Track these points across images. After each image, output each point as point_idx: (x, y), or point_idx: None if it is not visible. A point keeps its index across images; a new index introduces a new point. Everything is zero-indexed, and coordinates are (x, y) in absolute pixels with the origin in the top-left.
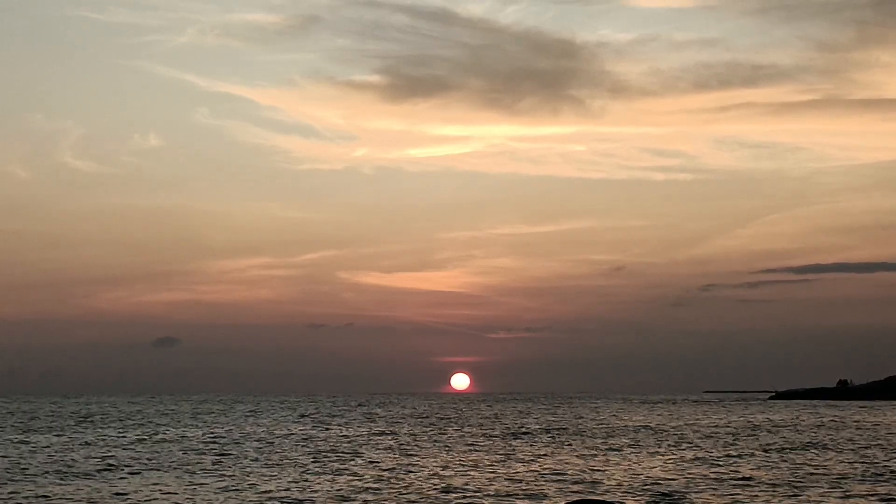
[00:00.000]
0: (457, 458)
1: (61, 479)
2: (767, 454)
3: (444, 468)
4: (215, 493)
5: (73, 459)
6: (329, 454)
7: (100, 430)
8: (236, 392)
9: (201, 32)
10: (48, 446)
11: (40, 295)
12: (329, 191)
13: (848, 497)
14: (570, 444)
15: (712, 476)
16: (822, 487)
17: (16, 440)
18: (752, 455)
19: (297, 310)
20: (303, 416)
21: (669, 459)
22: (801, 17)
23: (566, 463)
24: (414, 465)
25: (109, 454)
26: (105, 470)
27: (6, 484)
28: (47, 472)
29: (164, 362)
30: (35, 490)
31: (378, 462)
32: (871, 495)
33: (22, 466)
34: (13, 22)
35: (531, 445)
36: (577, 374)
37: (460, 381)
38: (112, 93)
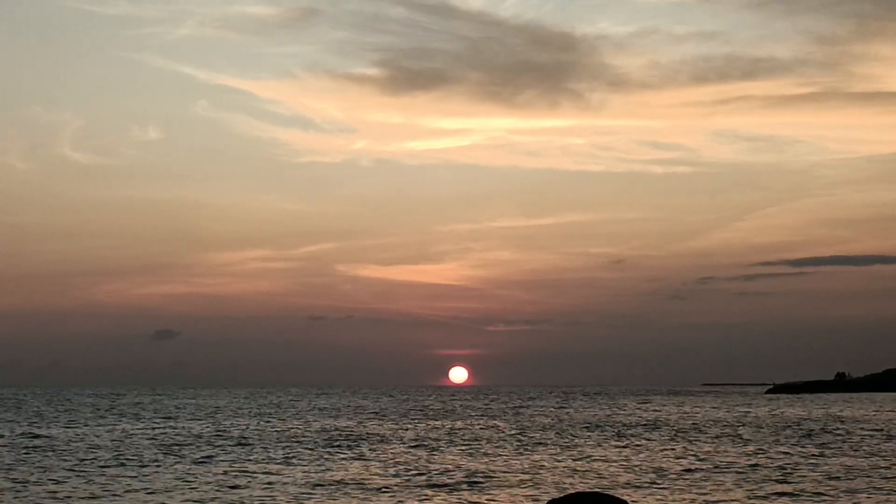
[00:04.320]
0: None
1: None
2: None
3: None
4: None
5: None
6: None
7: None
8: (235, 384)
9: (201, 25)
10: None
11: (39, 287)
12: (328, 183)
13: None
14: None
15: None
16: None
17: None
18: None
19: (295, 302)
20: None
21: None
22: (801, 11)
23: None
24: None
25: None
26: None
27: None
28: None
29: (164, 354)
30: None
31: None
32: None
33: None
34: (12, 13)
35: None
36: (576, 366)
37: (458, 375)
38: (111, 85)
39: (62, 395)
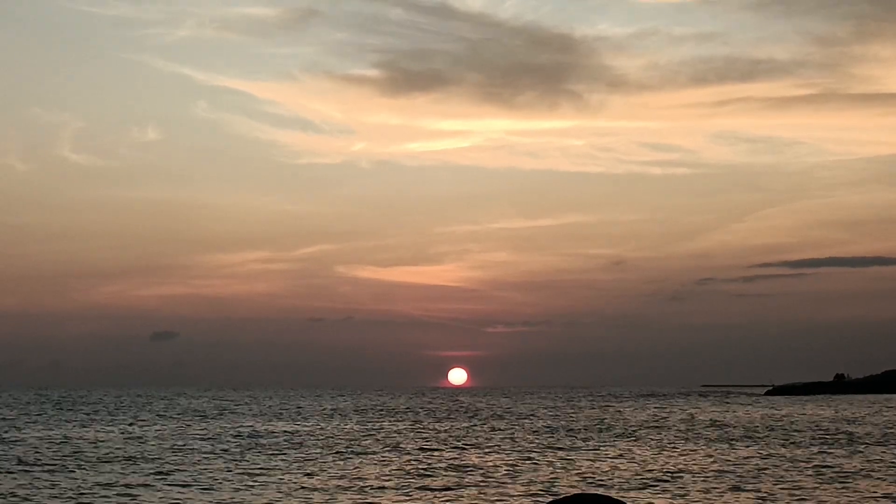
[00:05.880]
0: None
1: None
2: None
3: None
4: None
5: None
6: None
7: None
8: (234, 385)
9: (200, 26)
10: None
11: (39, 287)
12: (327, 185)
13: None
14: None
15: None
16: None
17: None
18: None
19: (294, 304)
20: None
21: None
22: (800, 12)
23: None
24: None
25: None
26: None
27: None
28: None
29: (163, 355)
30: None
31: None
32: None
33: None
34: (12, 15)
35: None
36: (575, 367)
37: (457, 376)
38: (110, 86)
39: (113, 396)
